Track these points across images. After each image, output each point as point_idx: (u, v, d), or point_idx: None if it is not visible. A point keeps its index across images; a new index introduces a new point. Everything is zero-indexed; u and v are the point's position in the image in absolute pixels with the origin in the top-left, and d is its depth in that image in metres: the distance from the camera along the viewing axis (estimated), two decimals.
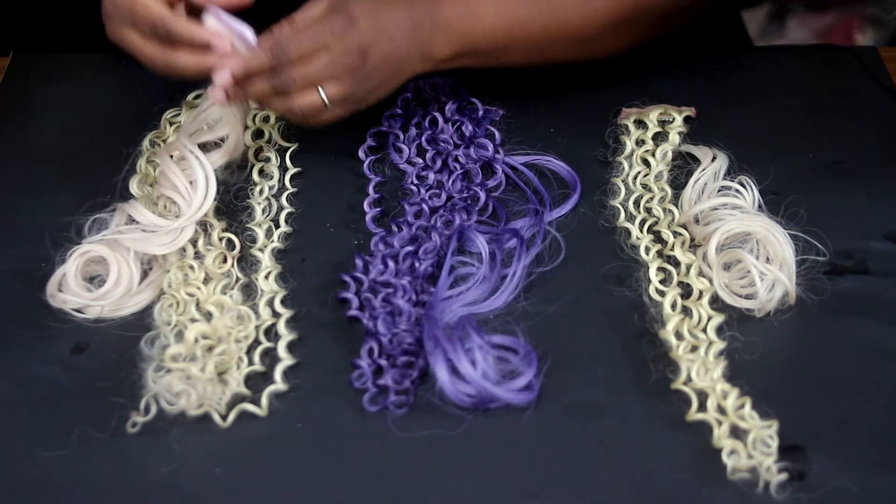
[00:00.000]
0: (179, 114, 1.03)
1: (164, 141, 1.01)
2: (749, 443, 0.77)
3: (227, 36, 0.89)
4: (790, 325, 0.86)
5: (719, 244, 0.89)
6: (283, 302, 0.88)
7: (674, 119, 1.03)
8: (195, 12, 0.91)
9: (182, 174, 0.92)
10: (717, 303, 0.87)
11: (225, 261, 0.91)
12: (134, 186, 0.96)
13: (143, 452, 0.78)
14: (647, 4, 0.99)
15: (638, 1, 0.99)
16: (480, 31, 0.95)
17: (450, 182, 0.97)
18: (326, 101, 0.90)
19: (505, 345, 0.83)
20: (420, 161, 1.00)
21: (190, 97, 1.04)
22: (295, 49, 0.88)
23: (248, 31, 0.90)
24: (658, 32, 1.03)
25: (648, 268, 0.90)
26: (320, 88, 0.90)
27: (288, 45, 0.88)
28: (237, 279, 0.89)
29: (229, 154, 0.96)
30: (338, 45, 0.89)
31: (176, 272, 0.89)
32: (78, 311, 0.87)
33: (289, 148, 1.01)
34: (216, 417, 0.79)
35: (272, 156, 1.00)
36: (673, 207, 0.95)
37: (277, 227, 0.95)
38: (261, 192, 0.98)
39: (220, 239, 0.92)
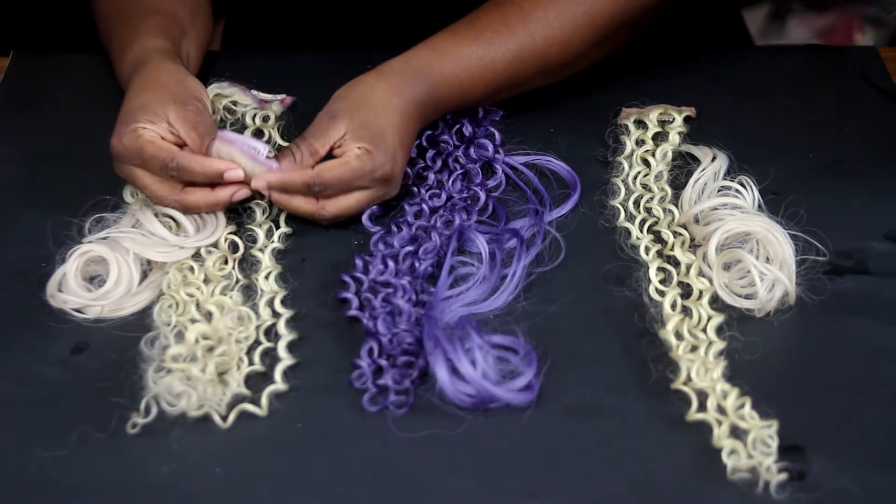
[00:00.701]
0: None
1: None
2: (749, 443, 0.77)
3: (239, 164, 0.90)
4: (790, 325, 0.86)
5: (719, 244, 0.89)
6: (283, 302, 0.88)
7: (674, 119, 1.03)
8: None
9: None
10: (717, 303, 0.87)
11: (226, 262, 0.91)
12: (127, 194, 0.95)
13: (143, 453, 0.77)
14: (622, 19, 1.00)
15: (613, 21, 0.99)
16: (470, 102, 0.99)
17: (450, 182, 0.97)
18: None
19: (505, 345, 0.83)
20: (420, 161, 1.00)
21: None
22: (335, 188, 0.90)
23: (261, 148, 0.91)
24: (635, 33, 1.04)
25: (648, 268, 0.90)
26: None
27: (327, 184, 0.90)
28: (237, 280, 0.89)
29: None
30: (377, 189, 0.92)
31: (175, 273, 0.89)
32: (78, 310, 0.87)
33: None
34: (216, 418, 0.79)
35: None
36: (673, 207, 0.95)
37: (277, 227, 0.95)
38: (260, 192, 0.97)
39: (225, 240, 0.92)
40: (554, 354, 0.83)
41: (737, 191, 0.93)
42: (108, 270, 0.87)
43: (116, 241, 0.89)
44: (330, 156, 0.91)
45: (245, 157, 0.90)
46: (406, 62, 0.95)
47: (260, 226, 0.94)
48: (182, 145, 0.91)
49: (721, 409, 0.79)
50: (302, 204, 0.91)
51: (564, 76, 1.02)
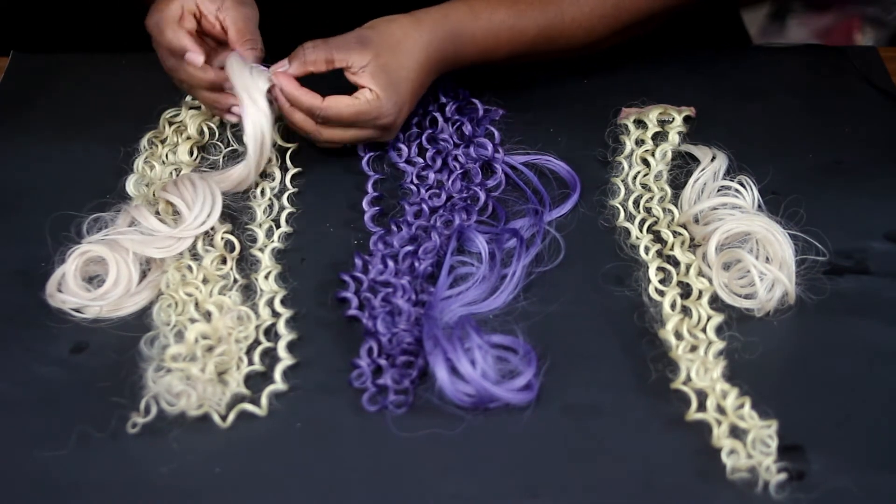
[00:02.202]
0: (178, 114, 1.03)
1: (162, 141, 1.01)
2: (748, 442, 0.77)
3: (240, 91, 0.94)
4: (790, 325, 0.86)
5: (719, 244, 0.89)
6: (282, 302, 0.88)
7: (673, 119, 1.03)
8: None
9: (190, 186, 0.92)
10: (716, 302, 0.87)
11: (224, 262, 0.91)
12: (130, 186, 0.96)
13: (143, 452, 0.78)
14: (646, 13, 1.02)
15: (638, 13, 1.02)
16: (488, 63, 1.00)
17: (450, 182, 0.97)
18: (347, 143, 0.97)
19: (504, 344, 0.83)
20: (420, 160, 1.00)
21: (189, 98, 1.04)
22: (335, 123, 0.94)
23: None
24: (654, 27, 1.06)
25: (648, 267, 0.90)
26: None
27: (329, 118, 0.93)
28: (235, 280, 0.89)
29: (234, 185, 0.97)
30: (375, 132, 0.96)
31: (174, 272, 0.89)
32: (77, 310, 0.87)
33: (289, 148, 1.01)
34: (216, 418, 0.79)
35: (272, 156, 1.00)
36: (672, 207, 0.95)
37: (278, 227, 0.95)
38: (262, 192, 0.98)
39: (221, 240, 0.92)
40: (553, 354, 0.83)
41: (736, 190, 0.93)
42: (107, 270, 0.87)
43: (116, 241, 0.89)
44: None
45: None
46: (444, 17, 0.97)
47: (260, 225, 0.94)
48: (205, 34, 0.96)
49: (720, 409, 0.79)
50: (300, 120, 0.95)
51: (578, 55, 1.05)
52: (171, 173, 0.98)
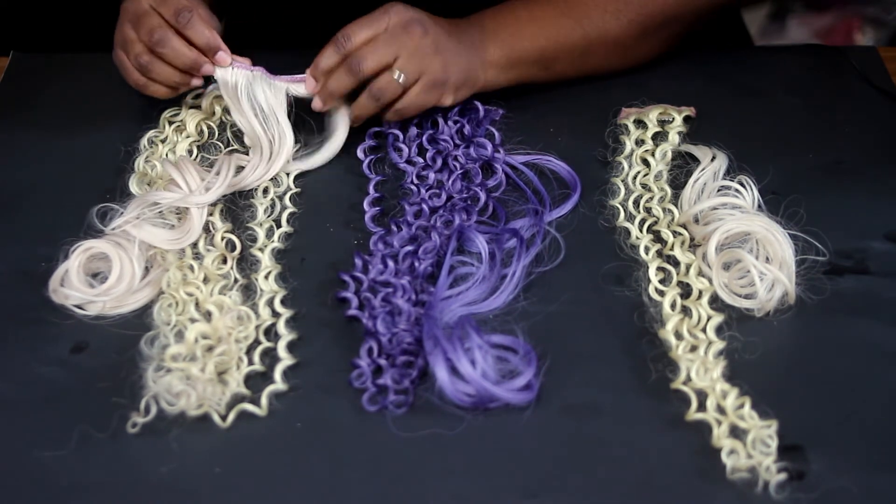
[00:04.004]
0: (178, 113, 1.04)
1: (162, 141, 1.01)
2: (748, 442, 0.77)
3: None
4: (790, 324, 0.86)
5: (719, 244, 0.89)
6: (282, 302, 0.88)
7: (673, 119, 1.03)
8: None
9: (196, 171, 0.93)
10: (716, 302, 0.87)
11: (224, 262, 0.91)
12: (133, 185, 0.96)
13: (143, 452, 0.78)
14: (673, 12, 1.04)
15: (665, 10, 1.03)
16: (525, 39, 1.01)
17: (450, 182, 0.97)
18: (399, 78, 0.95)
19: (504, 344, 0.83)
20: (420, 160, 1.00)
21: (189, 97, 1.04)
22: (357, 34, 0.95)
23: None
24: (683, 35, 1.08)
25: (648, 267, 0.90)
26: (396, 69, 0.96)
27: (350, 31, 0.95)
28: (235, 280, 0.89)
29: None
30: (394, 20, 0.95)
31: (175, 271, 0.89)
32: (79, 307, 0.87)
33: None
34: (216, 418, 0.79)
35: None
36: (673, 207, 0.95)
37: (278, 226, 0.95)
38: (265, 191, 0.98)
39: (222, 239, 0.92)
40: (554, 354, 0.83)
41: (736, 190, 0.93)
42: (111, 267, 0.87)
43: (125, 231, 0.89)
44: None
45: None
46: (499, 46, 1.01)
47: (260, 225, 0.94)
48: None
49: (720, 409, 0.79)
50: (338, 84, 0.96)
51: (619, 61, 1.07)
52: None
